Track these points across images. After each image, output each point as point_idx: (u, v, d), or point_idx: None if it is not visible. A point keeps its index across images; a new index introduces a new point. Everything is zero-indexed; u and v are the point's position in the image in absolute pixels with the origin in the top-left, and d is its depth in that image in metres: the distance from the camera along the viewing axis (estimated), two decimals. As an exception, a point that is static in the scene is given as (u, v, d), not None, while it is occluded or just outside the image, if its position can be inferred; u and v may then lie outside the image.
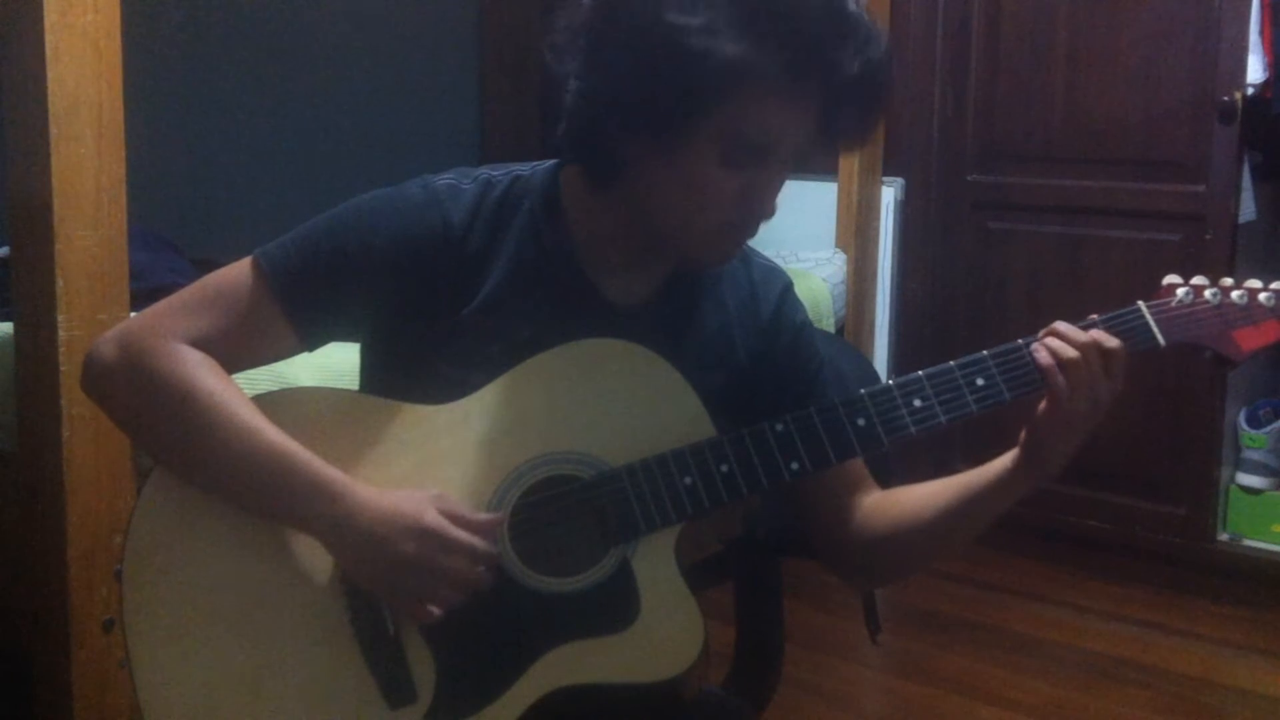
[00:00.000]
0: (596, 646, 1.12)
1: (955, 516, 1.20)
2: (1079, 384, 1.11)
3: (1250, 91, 2.87)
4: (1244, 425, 3.07)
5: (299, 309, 1.15)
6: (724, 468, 1.14)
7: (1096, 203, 3.16)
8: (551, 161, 1.23)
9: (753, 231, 1.17)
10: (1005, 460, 1.17)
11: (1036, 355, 1.13)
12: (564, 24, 1.12)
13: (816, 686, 2.54)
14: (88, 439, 1.55)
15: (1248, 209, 2.98)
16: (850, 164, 3.14)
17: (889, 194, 3.38)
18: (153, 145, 2.60)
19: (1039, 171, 3.26)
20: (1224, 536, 3.08)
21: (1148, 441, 3.06)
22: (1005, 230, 3.33)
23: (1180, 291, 1.18)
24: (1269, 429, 3.05)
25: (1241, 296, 1.17)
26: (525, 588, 1.13)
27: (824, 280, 3.05)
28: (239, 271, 1.16)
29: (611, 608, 1.13)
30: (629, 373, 1.16)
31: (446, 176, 1.20)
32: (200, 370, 1.12)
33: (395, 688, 1.12)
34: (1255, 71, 2.85)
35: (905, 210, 3.46)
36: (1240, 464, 3.08)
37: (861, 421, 1.15)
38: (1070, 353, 1.11)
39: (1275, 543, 3.01)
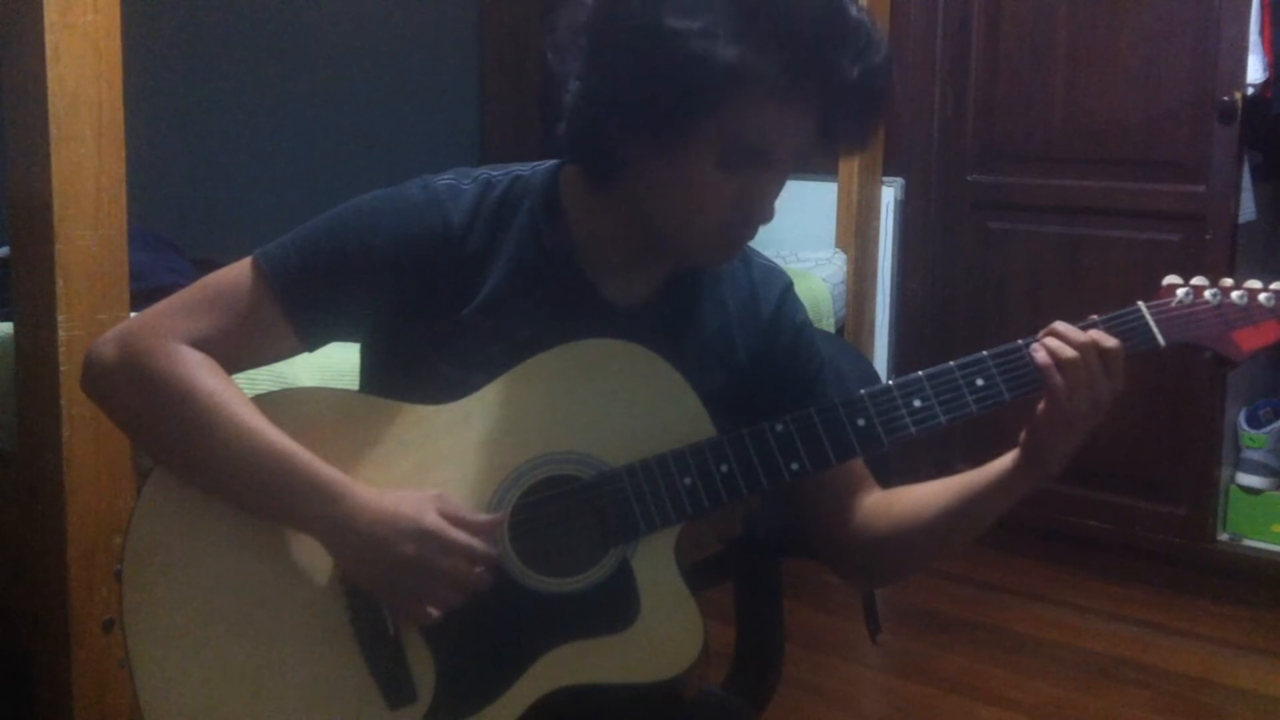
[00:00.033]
0: (596, 647, 1.12)
1: (956, 516, 1.20)
2: (1078, 384, 1.11)
3: (1250, 91, 2.86)
4: (1244, 425, 3.07)
5: (299, 309, 1.15)
6: (724, 468, 1.14)
7: (1096, 203, 3.16)
8: (551, 162, 1.23)
9: (751, 234, 1.17)
10: (1006, 460, 1.17)
11: (1035, 354, 1.13)
12: (565, 23, 1.12)
13: (816, 686, 2.54)
14: (88, 439, 1.55)
15: (1248, 209, 2.98)
16: (850, 164, 3.14)
17: (889, 194, 3.38)
18: (153, 145, 2.61)
19: (1039, 171, 3.26)
20: (1224, 536, 3.08)
21: (1148, 441, 3.06)
22: (1005, 230, 3.33)
23: (1180, 292, 1.18)
24: (1269, 429, 3.05)
25: (1241, 297, 1.17)
26: (525, 588, 1.13)
27: (824, 280, 3.05)
28: (239, 272, 1.16)
29: (611, 608, 1.13)
30: (629, 373, 1.16)
31: (446, 177, 1.20)
32: (200, 370, 1.12)
33: (395, 688, 1.12)
34: (1255, 71, 2.85)
35: (905, 210, 3.46)
36: (1240, 464, 3.08)
37: (861, 422, 1.15)
38: (1068, 352, 1.11)
39: (1275, 543, 3.01)
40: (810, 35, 1.04)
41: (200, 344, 1.14)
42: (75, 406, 1.53)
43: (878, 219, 3.31)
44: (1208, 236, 2.95)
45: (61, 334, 1.51)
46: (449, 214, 1.17)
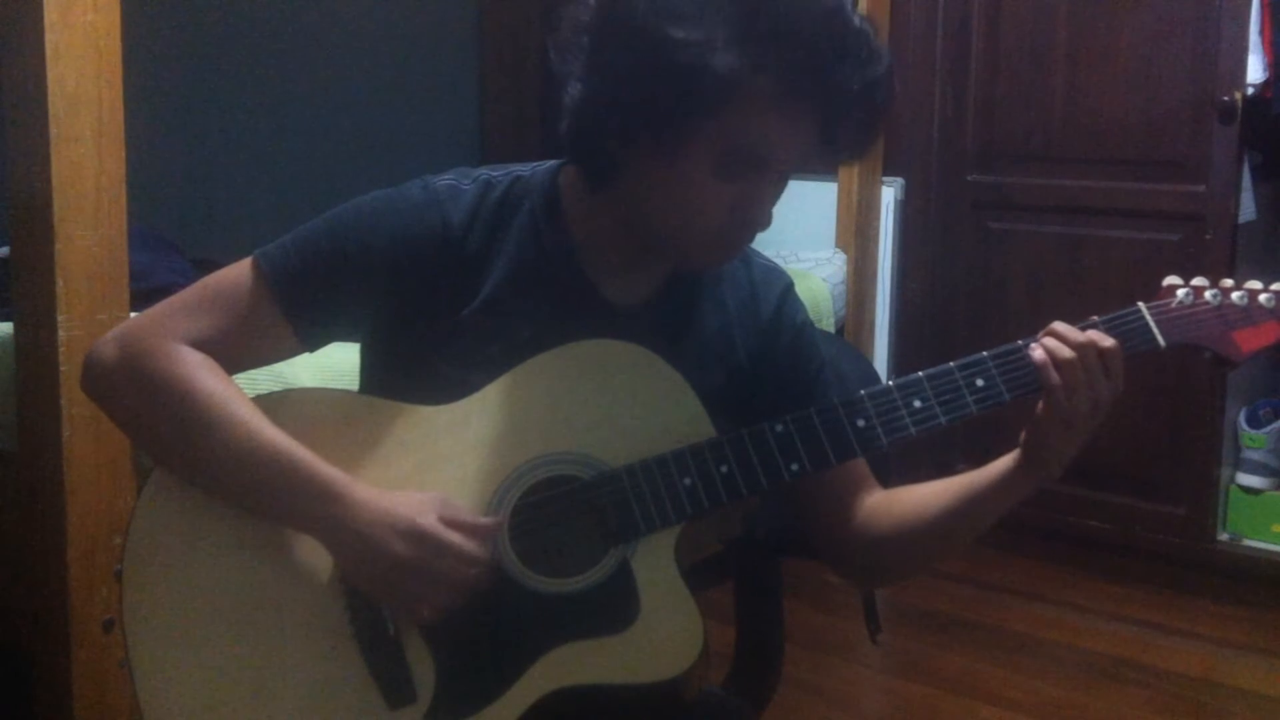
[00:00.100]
0: (596, 647, 1.12)
1: (957, 517, 1.20)
2: (1076, 384, 1.11)
3: (1250, 91, 2.86)
4: (1244, 425, 3.07)
5: (299, 310, 1.15)
6: (724, 468, 1.14)
7: (1096, 203, 3.16)
8: (552, 162, 1.23)
9: (749, 239, 1.17)
10: (1007, 461, 1.17)
11: (1033, 354, 1.13)
12: (569, 22, 1.12)
13: (816, 686, 2.54)
14: (88, 439, 1.55)
15: (1248, 209, 2.98)
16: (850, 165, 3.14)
17: (889, 194, 3.38)
18: (153, 145, 2.61)
19: (1039, 171, 3.26)
20: (1224, 536, 3.08)
21: (1148, 441, 3.06)
22: (1005, 230, 3.33)
23: (1180, 293, 1.18)
24: (1269, 429, 3.05)
25: (1242, 298, 1.17)
26: (525, 588, 1.13)
27: (824, 280, 3.05)
28: (239, 272, 1.16)
29: (611, 608, 1.12)
30: (629, 373, 1.16)
31: (446, 177, 1.20)
32: (200, 371, 1.12)
33: (395, 688, 1.12)
34: (1255, 71, 2.85)
35: (905, 210, 3.45)
36: (1240, 464, 3.08)
37: (861, 422, 1.15)
38: (1066, 353, 1.11)
39: (1275, 543, 3.01)
40: (811, 45, 1.04)
41: (200, 344, 1.14)
42: (75, 406, 1.53)
43: (878, 219, 3.31)
44: (1208, 236, 2.95)
45: (61, 334, 1.51)
46: (449, 214, 1.17)
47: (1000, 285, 3.34)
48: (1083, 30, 3.13)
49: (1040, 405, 1.13)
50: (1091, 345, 1.11)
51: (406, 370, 1.18)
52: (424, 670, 1.12)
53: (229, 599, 1.13)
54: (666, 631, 1.13)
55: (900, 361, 3.47)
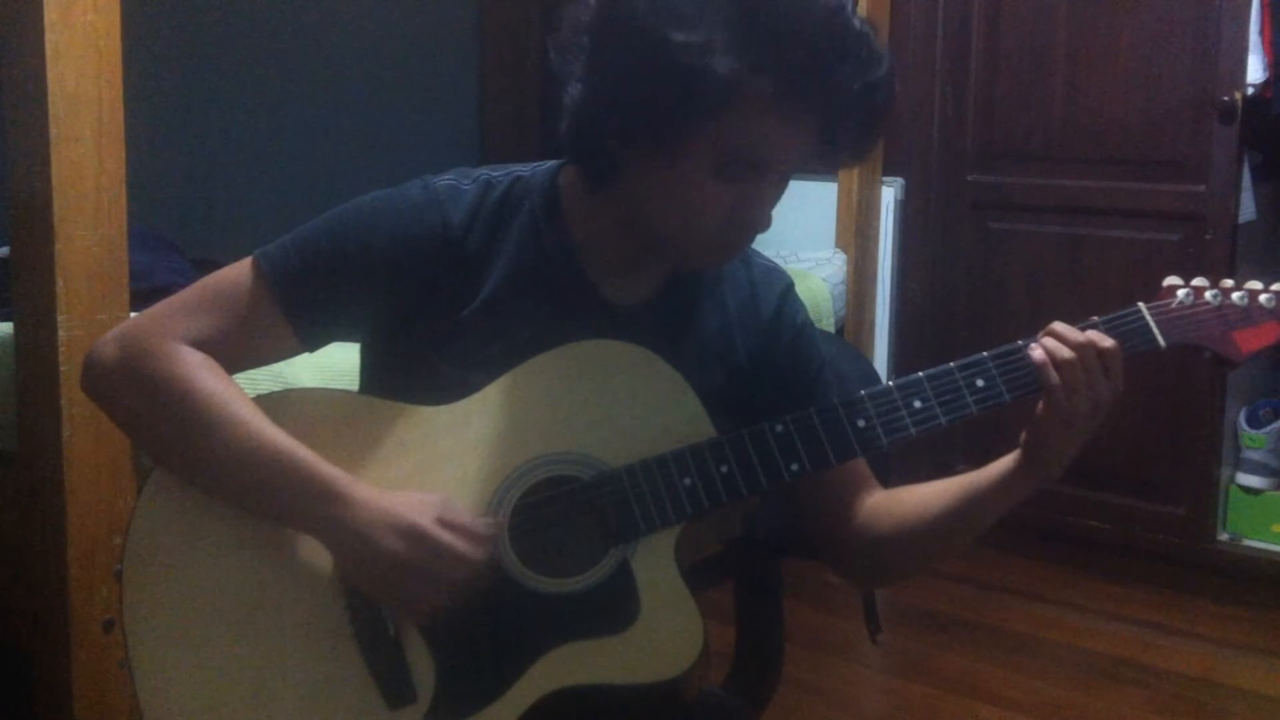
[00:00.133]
0: (596, 647, 1.12)
1: (957, 517, 1.20)
2: (1076, 384, 1.11)
3: (1250, 91, 2.86)
4: (1244, 425, 3.07)
5: (299, 310, 1.15)
6: (724, 468, 1.14)
7: (1096, 203, 3.16)
8: (552, 162, 1.23)
9: (749, 240, 1.17)
10: (1007, 461, 1.17)
11: (1032, 355, 1.13)
12: (569, 22, 1.12)
13: (816, 686, 2.54)
14: (88, 439, 1.55)
15: (1248, 209, 2.98)
16: (850, 164, 3.14)
17: (889, 194, 3.38)
18: (153, 145, 2.61)
19: (1039, 171, 3.26)
20: (1224, 536, 3.08)
21: (1148, 441, 3.06)
22: (1005, 230, 3.33)
23: (1181, 293, 1.18)
24: (1269, 429, 3.05)
25: (1242, 298, 1.17)
26: (525, 588, 1.13)
27: (824, 280, 3.05)
28: (239, 272, 1.16)
29: (611, 608, 1.12)
30: (629, 373, 1.16)
31: (446, 177, 1.20)
32: (200, 371, 1.12)
33: (395, 688, 1.12)
34: (1255, 71, 2.85)
35: (905, 210, 3.45)
36: (1240, 464, 3.08)
37: (861, 423, 1.15)
38: (1065, 353, 1.11)
39: (1275, 543, 3.01)
40: (811, 48, 1.04)
41: (200, 344, 1.14)
42: (75, 406, 1.53)
43: (878, 219, 3.31)
44: (1208, 236, 2.95)
45: (61, 334, 1.51)
46: (449, 214, 1.17)
47: (1000, 285, 3.34)
48: (1083, 30, 3.13)
49: (1040, 405, 1.13)
50: (1091, 345, 1.12)
51: (406, 370, 1.18)
52: (424, 670, 1.12)
53: (229, 599, 1.13)
54: (666, 631, 1.13)
55: (900, 362, 3.47)
